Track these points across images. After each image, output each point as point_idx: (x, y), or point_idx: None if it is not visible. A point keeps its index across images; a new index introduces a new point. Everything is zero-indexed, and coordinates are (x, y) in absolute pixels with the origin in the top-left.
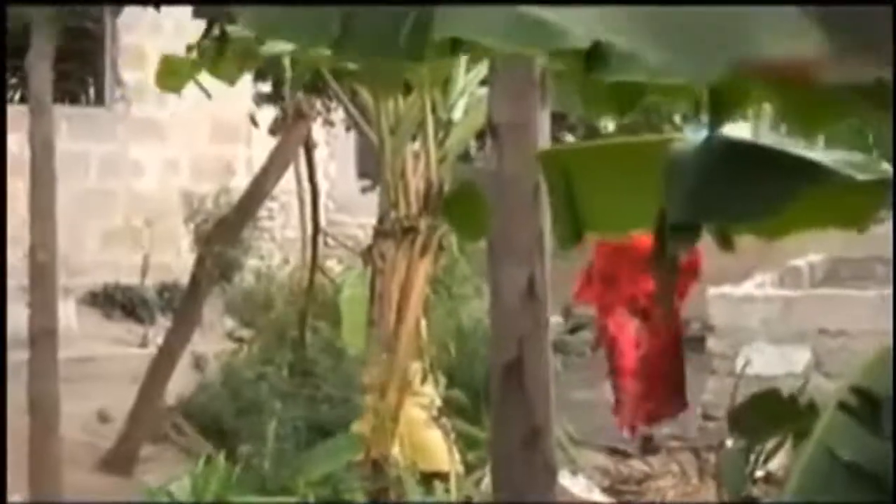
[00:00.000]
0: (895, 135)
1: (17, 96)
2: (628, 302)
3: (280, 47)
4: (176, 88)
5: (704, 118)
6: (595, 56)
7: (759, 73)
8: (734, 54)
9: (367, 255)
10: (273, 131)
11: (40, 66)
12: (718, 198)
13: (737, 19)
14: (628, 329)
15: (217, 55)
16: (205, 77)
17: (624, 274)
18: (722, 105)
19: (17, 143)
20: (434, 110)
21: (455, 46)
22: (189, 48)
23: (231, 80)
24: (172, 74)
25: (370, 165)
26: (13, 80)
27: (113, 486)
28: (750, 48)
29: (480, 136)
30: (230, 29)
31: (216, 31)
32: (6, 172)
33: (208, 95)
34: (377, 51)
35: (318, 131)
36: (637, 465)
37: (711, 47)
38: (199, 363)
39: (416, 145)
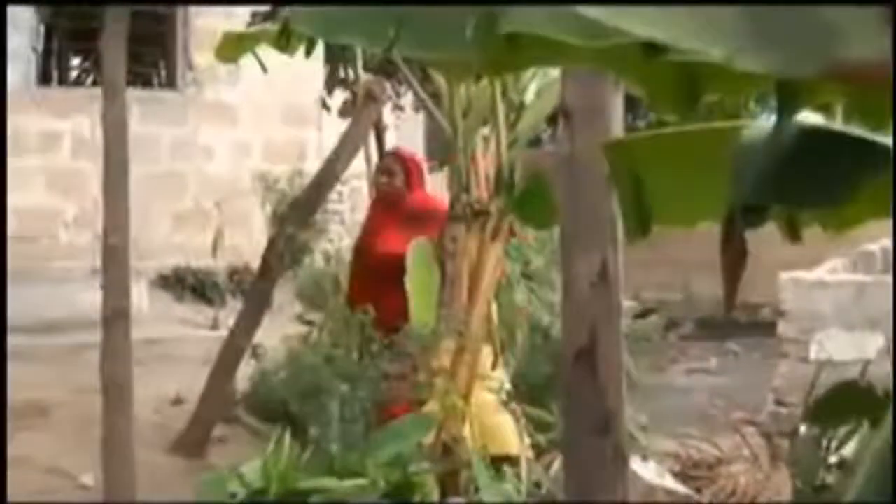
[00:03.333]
0: (895, 130)
1: (90, 79)
2: None
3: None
4: (233, 59)
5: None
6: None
7: (848, 75)
8: (825, 55)
9: (439, 238)
10: (343, 114)
11: (114, 49)
12: (790, 179)
13: (825, 19)
14: None
15: (283, 30)
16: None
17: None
18: (791, 96)
19: (89, 127)
20: (505, 93)
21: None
22: (249, 26)
23: (291, 52)
24: (231, 46)
25: (438, 149)
26: (86, 64)
27: (184, 467)
28: (839, 49)
29: (552, 119)
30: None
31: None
32: (6, 171)
33: (264, 69)
34: (438, 48)
35: (387, 115)
36: (708, 450)
37: (801, 47)
38: (256, 352)
39: (487, 129)
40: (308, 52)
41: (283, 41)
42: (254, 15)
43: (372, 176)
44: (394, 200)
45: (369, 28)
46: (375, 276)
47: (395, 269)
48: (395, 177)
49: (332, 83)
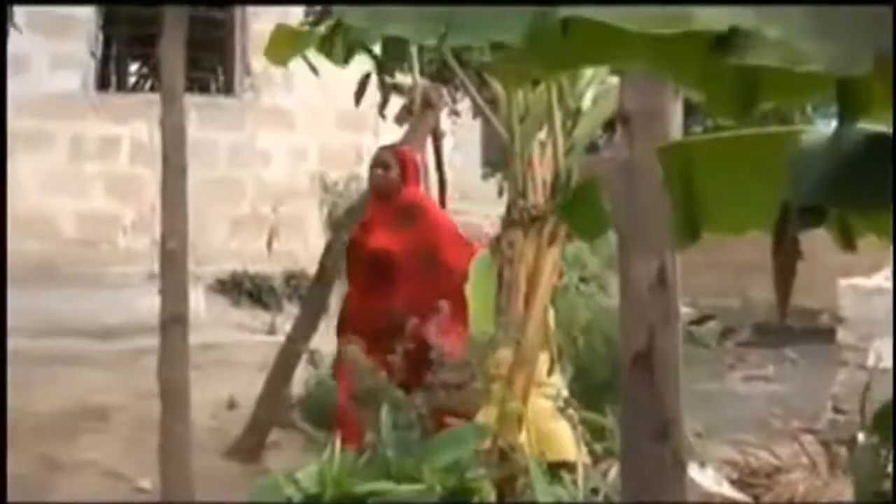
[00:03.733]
0: (895, 128)
1: (148, 85)
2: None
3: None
4: (283, 61)
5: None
6: (724, 39)
7: None
8: (882, 47)
9: (496, 244)
10: (399, 120)
11: (172, 55)
12: (848, 183)
13: (878, 15)
14: None
15: (327, 35)
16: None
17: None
18: (852, 101)
19: (147, 132)
20: (562, 99)
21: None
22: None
23: (338, 62)
24: (282, 46)
25: (495, 154)
26: (144, 69)
27: (240, 472)
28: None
29: (608, 125)
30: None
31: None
32: (6, 171)
33: (315, 72)
34: (490, 38)
35: (443, 121)
36: (766, 458)
37: (861, 40)
38: (313, 358)
39: (543, 134)
40: (346, 60)
41: (328, 47)
42: (307, 15)
43: (367, 169)
44: (388, 193)
45: (419, 19)
46: (365, 270)
47: (380, 265)
48: (390, 170)
49: (361, 88)
